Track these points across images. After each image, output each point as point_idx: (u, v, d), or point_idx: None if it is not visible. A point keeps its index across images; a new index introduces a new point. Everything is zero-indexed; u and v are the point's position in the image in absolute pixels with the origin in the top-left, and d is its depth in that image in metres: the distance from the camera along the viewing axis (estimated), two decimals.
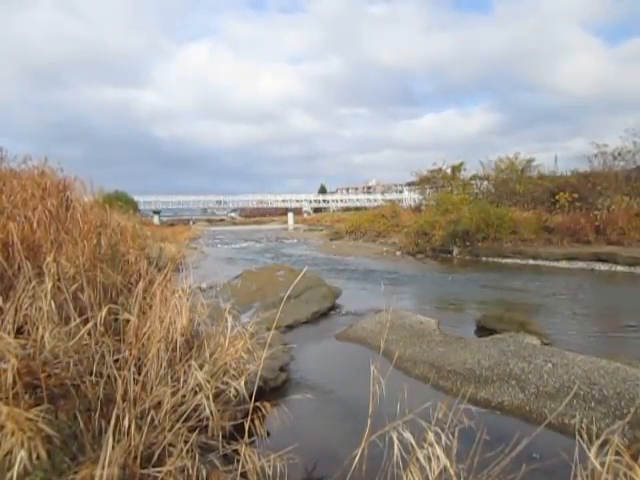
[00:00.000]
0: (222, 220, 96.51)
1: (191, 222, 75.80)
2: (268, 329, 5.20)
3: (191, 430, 3.02)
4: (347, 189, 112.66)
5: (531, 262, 18.17)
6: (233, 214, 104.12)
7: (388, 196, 71.92)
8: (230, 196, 79.72)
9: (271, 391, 5.07)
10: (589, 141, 26.75)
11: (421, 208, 32.63)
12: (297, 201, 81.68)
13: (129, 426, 2.75)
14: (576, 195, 22.60)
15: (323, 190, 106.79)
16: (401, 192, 74.41)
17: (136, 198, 47.98)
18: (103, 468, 2.33)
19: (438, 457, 2.43)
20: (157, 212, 69.58)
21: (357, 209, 67.99)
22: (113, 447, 2.47)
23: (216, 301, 4.61)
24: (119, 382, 2.97)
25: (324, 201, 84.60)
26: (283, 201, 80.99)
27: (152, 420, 2.92)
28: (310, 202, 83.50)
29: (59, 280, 3.53)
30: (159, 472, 2.70)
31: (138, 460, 2.71)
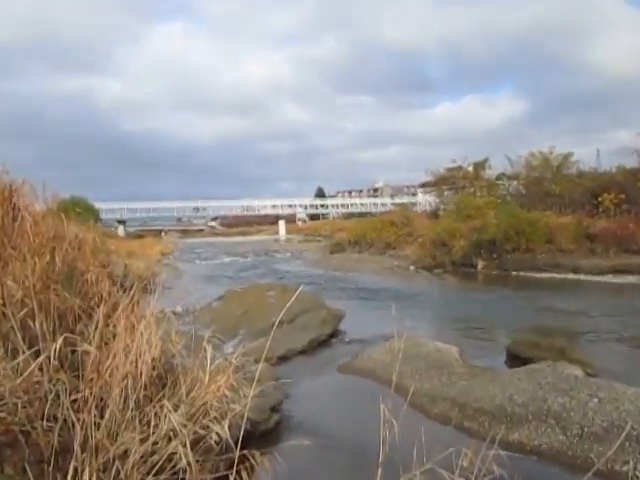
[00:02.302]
0: (200, 231, 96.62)
1: (163, 233, 75.87)
2: (257, 361, 5.14)
3: None
4: (349, 192, 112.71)
5: (570, 276, 18.24)
6: (213, 223, 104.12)
7: (398, 200, 72.10)
8: (210, 202, 79.54)
9: (261, 436, 5.04)
10: (636, 132, 26.67)
11: (438, 214, 32.92)
12: (290, 207, 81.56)
13: None
14: (623, 196, 22.69)
15: (321, 194, 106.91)
16: (414, 195, 75.29)
17: (97, 205, 48.34)
18: None
19: None
20: (122, 222, 69.66)
21: (362, 215, 67.93)
22: None
23: (193, 328, 4.63)
24: (77, 427, 2.96)
25: (322, 206, 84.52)
26: (273, 207, 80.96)
27: (117, 473, 2.90)
28: (305, 208, 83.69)
29: (4, 305, 3.52)
30: None
31: None
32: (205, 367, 3.82)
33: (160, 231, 76.42)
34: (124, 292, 4.33)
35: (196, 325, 4.95)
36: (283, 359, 7.81)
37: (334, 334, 9.55)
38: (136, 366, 3.54)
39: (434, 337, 8.65)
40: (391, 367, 6.49)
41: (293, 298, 3.57)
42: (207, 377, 3.74)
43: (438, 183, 37.35)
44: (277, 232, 76.20)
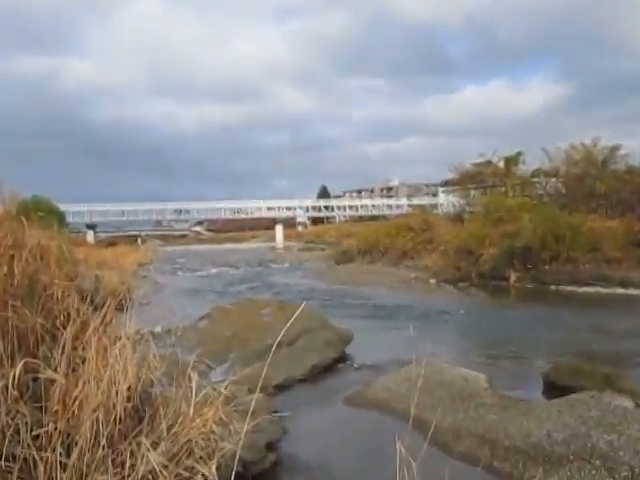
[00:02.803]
0: (183, 237, 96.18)
1: (140, 240, 75.06)
2: (250, 391, 5.30)
3: None
4: (359, 192, 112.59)
5: (619, 291, 18.20)
6: (199, 228, 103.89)
7: (417, 201, 71.88)
8: (194, 203, 79.62)
9: (255, 479, 5.03)
10: None
11: (463, 217, 32.93)
12: (288, 209, 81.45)
13: None
14: None
15: (325, 194, 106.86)
16: (434, 195, 74.24)
17: (63, 207, 48.16)
18: None
19: None
20: (92, 226, 69.38)
21: (373, 219, 67.66)
22: None
23: (175, 352, 4.65)
24: (40, 468, 2.95)
25: (326, 209, 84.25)
26: (269, 209, 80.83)
27: None
28: (307, 210, 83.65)
29: None
30: None
31: None
32: (189, 398, 3.80)
33: (136, 237, 75.98)
34: (95, 310, 4.32)
35: (179, 348, 4.90)
36: (281, 388, 7.77)
37: (341, 359, 9.52)
38: (109, 396, 3.52)
39: (459, 363, 8.58)
40: (408, 398, 6.17)
41: (294, 317, 3.52)
42: (192, 410, 3.71)
43: (463, 181, 37.23)
44: (273, 238, 76.27)
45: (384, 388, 7.40)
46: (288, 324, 3.53)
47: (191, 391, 3.79)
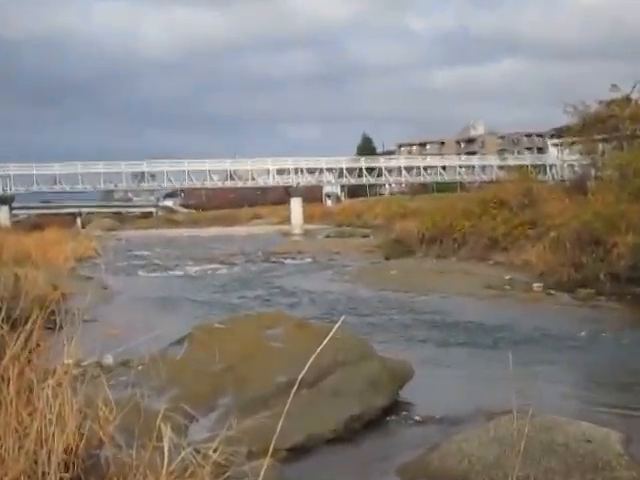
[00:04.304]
0: (147, 216, 74.29)
1: (79, 221, 60.00)
2: (253, 455, 4.35)
3: None
4: (422, 145, 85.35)
5: None
6: (170, 203, 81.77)
7: (513, 160, 55.42)
8: (164, 163, 57.79)
9: None
10: None
11: (587, 185, 24.99)
12: (311, 173, 61.05)
13: None
14: None
15: (368, 149, 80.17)
16: (541, 151, 60.17)
17: None
18: None
19: None
20: (6, 200, 53.48)
21: (444, 189, 52.14)
22: None
23: (137, 394, 3.99)
24: None
25: (371, 172, 62.76)
26: (280, 173, 60.13)
27: None
28: (340, 175, 61.74)
29: None
30: None
31: None
32: (159, 466, 3.01)
33: (75, 217, 61.96)
34: (12, 328, 3.55)
35: (142, 389, 4.29)
36: (300, 452, 6.01)
37: (393, 407, 7.40)
38: (36, 462, 2.95)
39: (580, 414, 6.78)
40: (501, 469, 5.11)
41: (324, 343, 2.50)
42: None
43: (586, 129, 27.18)
44: (287, 219, 58.52)
45: (461, 453, 5.75)
46: (312, 354, 2.57)
47: (162, 455, 3.01)
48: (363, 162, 65.01)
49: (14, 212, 54.71)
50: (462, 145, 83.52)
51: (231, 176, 60.79)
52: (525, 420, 4.44)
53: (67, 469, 3.00)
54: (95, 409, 3.41)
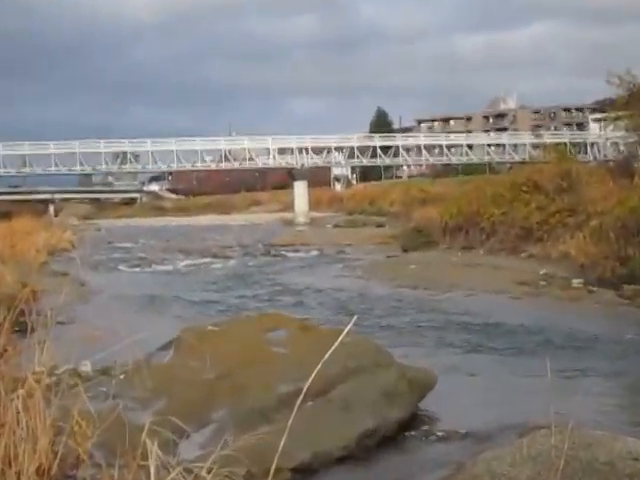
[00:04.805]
0: (130, 202, 69.46)
1: (52, 209, 56.19)
2: (252, 476, 4.10)
3: None
4: (445, 121, 78.65)
5: None
6: (156, 188, 76.34)
7: (548, 137, 49.84)
8: (147, 143, 51.68)
9: None
10: None
11: (634, 167, 23.40)
12: (318, 153, 54.14)
13: None
14: None
15: (383, 125, 72.49)
16: (581, 127, 56.12)
17: None
18: None
19: None
20: None
21: (470, 171, 49.13)
22: None
23: (119, 406, 3.74)
24: None
25: (386, 152, 55.55)
26: (282, 153, 53.92)
27: None
28: (350, 155, 54.46)
29: None
30: None
31: None
32: None
33: (47, 203, 57.71)
34: None
35: (125, 400, 4.19)
36: (305, 472, 5.40)
37: (412, 420, 6.71)
38: None
39: (626, 430, 6.03)
40: None
41: (336, 344, 2.36)
42: None
43: (633, 102, 24.72)
44: (290, 206, 52.88)
45: (490, 474, 5.06)
46: (320, 359, 2.37)
47: (147, 476, 2.79)
48: (377, 140, 57.42)
49: None
50: (491, 121, 77.13)
51: (226, 157, 53.87)
52: (564, 435, 4.05)
53: None
54: (71, 423, 3.27)
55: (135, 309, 14.27)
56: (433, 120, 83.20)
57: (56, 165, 51.29)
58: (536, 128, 59.79)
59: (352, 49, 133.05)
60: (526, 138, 55.09)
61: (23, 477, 2.87)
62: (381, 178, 61.90)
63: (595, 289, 14.83)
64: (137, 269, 23.59)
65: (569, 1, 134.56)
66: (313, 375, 2.42)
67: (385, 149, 56.59)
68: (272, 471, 2.52)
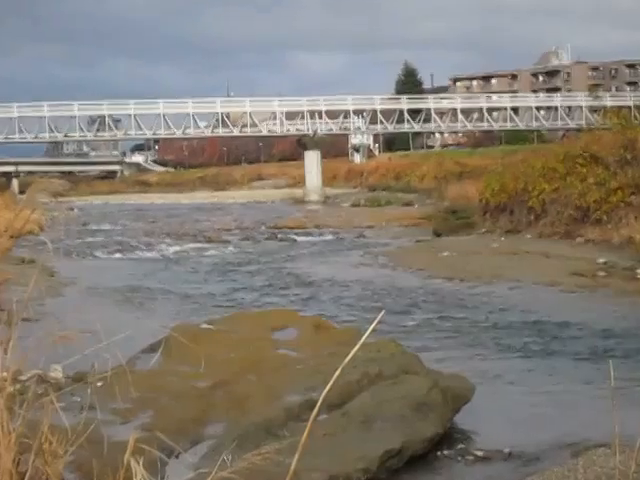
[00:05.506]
0: (110, 176, 61.09)
1: (16, 184, 48.25)
2: None
3: None
4: (486, 79, 69.17)
5: None
6: (140, 159, 66.81)
7: (610, 100, 44.49)
8: (132, 104, 44.02)
9: None
10: None
11: None
12: (332, 118, 44.99)
13: None
14: None
15: (411, 85, 63.72)
16: None
17: None
18: None
19: None
20: None
21: (516, 139, 43.31)
22: None
23: (97, 420, 3.66)
24: None
25: (415, 116, 47.69)
26: (289, 118, 44.86)
27: None
28: (372, 119, 46.33)
29: None
30: None
31: None
32: None
33: (10, 177, 51.03)
34: None
35: (104, 412, 4.03)
36: None
37: (446, 437, 5.86)
38: None
39: None
40: None
41: (357, 348, 2.01)
42: None
43: None
44: (299, 181, 47.35)
45: None
46: (337, 366, 2.05)
47: None
48: (405, 102, 49.29)
49: None
50: (540, 79, 67.89)
51: (223, 122, 45.95)
52: (628, 456, 3.49)
53: None
54: (39, 439, 2.99)
55: (115, 304, 12.85)
56: (471, 79, 74.66)
57: (20, 132, 44.75)
58: (594, 88, 52.79)
59: None
60: (582, 100, 48.85)
61: None
62: (409, 148, 55.82)
63: None
64: (117, 256, 21.12)
65: None
66: (330, 383, 2.09)
67: (414, 113, 49.70)
68: None
